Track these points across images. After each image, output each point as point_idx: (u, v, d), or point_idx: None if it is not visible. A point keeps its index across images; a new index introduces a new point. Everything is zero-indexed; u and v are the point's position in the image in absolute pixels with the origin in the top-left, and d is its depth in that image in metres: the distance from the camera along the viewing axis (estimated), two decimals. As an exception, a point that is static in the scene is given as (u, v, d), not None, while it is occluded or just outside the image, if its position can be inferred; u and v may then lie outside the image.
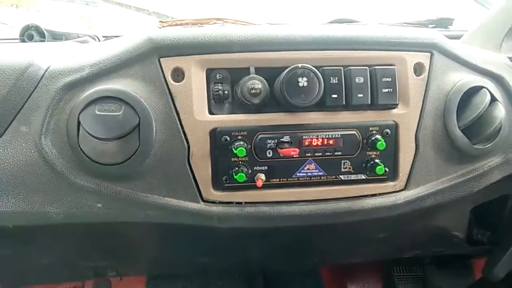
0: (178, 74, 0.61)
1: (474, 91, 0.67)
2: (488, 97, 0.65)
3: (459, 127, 0.66)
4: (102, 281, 1.36)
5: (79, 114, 0.57)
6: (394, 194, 0.67)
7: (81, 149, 0.58)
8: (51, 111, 0.59)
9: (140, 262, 0.90)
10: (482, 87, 0.67)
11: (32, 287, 1.25)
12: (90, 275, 0.89)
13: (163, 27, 0.90)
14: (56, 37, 0.96)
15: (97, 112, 0.57)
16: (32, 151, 0.59)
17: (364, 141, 0.64)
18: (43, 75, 0.60)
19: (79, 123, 0.57)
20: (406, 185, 0.67)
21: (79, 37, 0.95)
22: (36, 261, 0.78)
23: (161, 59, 0.60)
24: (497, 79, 0.70)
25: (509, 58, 0.74)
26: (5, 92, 0.58)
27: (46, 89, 0.59)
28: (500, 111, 0.66)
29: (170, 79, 0.60)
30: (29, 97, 0.59)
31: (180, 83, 0.60)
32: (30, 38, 0.93)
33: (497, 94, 0.68)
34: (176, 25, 0.90)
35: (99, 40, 0.94)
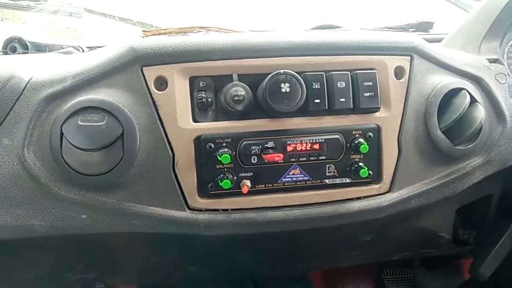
0: (161, 83, 0.61)
1: (454, 93, 0.68)
2: (468, 98, 0.66)
3: (440, 129, 0.67)
4: (92, 294, 1.34)
5: (62, 126, 0.57)
6: (379, 196, 0.67)
7: (64, 160, 0.57)
8: (34, 123, 0.58)
9: (128, 273, 0.89)
10: (461, 89, 0.68)
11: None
12: (77, 288, 0.87)
13: (146, 36, 0.90)
14: (40, 48, 0.96)
15: (80, 123, 0.57)
16: (15, 163, 0.58)
17: (348, 144, 0.65)
18: (25, 87, 0.59)
19: (62, 134, 0.57)
20: (390, 187, 0.68)
21: (62, 48, 0.94)
22: (22, 275, 0.77)
23: (144, 68, 0.60)
24: (477, 81, 0.72)
25: (487, 59, 0.76)
26: (-14, 105, 0.58)
27: (28, 101, 0.59)
28: (480, 111, 0.67)
29: (153, 88, 0.60)
30: (11, 109, 0.59)
31: (164, 91, 0.60)
32: (13, 51, 0.93)
33: (477, 95, 0.69)
34: (160, 34, 0.90)
35: (83, 51, 0.93)
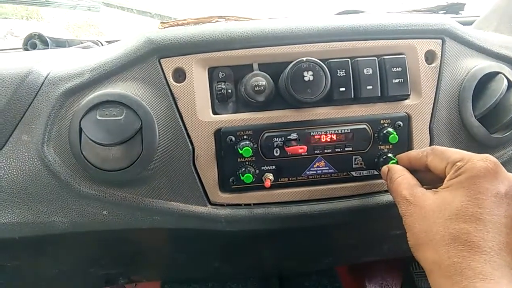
0: (180, 75, 0.59)
1: (489, 77, 0.63)
2: (505, 83, 0.62)
3: (475, 116, 0.63)
4: (117, 288, 1.36)
5: (80, 121, 0.56)
6: (409, 189, 0.64)
7: (84, 156, 0.56)
8: (52, 118, 0.58)
9: (151, 268, 0.89)
10: (498, 73, 0.63)
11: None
12: (102, 283, 0.87)
13: (164, 27, 0.89)
14: (60, 44, 0.96)
15: (99, 118, 0.56)
16: (35, 160, 0.58)
17: (376, 135, 0.62)
18: (43, 82, 0.59)
19: (80, 129, 0.56)
20: (421, 179, 0.64)
21: (82, 43, 0.94)
22: (45, 271, 0.77)
23: (162, 60, 0.58)
24: (514, 64, 0.67)
25: (525, 41, 0.71)
26: (5, 102, 0.57)
27: (47, 96, 0.58)
28: (518, 97, 0.62)
29: (171, 80, 0.58)
30: (29, 105, 0.58)
31: (182, 83, 0.58)
32: (34, 47, 0.93)
33: (515, 80, 0.65)
34: (178, 25, 0.88)
35: (102, 45, 0.93)
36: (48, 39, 0.94)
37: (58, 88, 0.58)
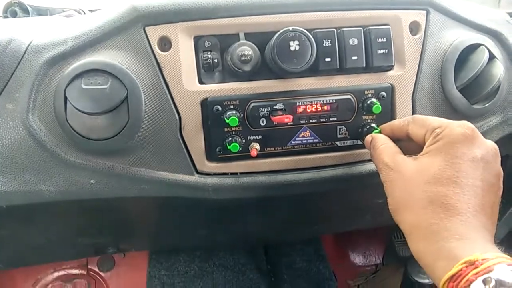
0: (165, 43, 0.58)
1: (471, 49, 0.64)
2: (487, 54, 0.63)
3: (457, 87, 0.64)
4: (106, 258, 1.38)
5: (65, 89, 0.55)
6: (391, 158, 0.65)
7: (69, 125, 0.56)
8: (36, 87, 0.57)
9: (139, 238, 0.91)
10: (480, 45, 0.64)
11: (36, 267, 1.27)
12: (91, 252, 0.89)
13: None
14: (41, 12, 0.94)
15: (84, 86, 0.55)
16: (20, 128, 0.58)
17: (360, 105, 0.63)
18: (25, 51, 0.57)
19: (66, 98, 0.55)
20: (403, 148, 0.66)
21: (64, 11, 0.91)
22: (34, 240, 0.78)
23: (146, 28, 0.58)
24: (496, 36, 0.68)
25: (508, 13, 0.72)
26: (-14, 70, 0.56)
27: (30, 65, 0.57)
28: (499, 68, 0.63)
29: (156, 48, 0.58)
30: (12, 74, 0.57)
31: (168, 52, 0.58)
32: (14, 15, 0.90)
33: (496, 51, 0.66)
34: (163, -6, 0.86)
35: (85, 14, 0.90)
36: (28, 7, 0.91)
37: (41, 56, 0.57)
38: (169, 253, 1.26)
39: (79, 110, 0.55)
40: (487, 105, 0.66)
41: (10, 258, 0.84)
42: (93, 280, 1.38)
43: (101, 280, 1.38)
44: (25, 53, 0.58)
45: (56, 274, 1.35)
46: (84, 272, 1.37)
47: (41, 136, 0.58)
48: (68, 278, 1.36)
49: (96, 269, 1.38)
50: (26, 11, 0.91)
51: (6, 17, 0.89)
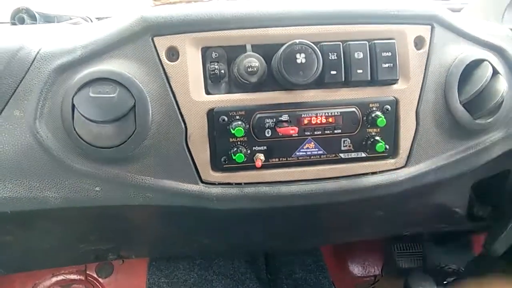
0: (173, 54, 0.59)
1: (475, 64, 0.65)
2: (490, 70, 0.64)
3: (460, 102, 0.65)
4: (105, 264, 1.37)
5: (73, 97, 0.56)
6: (394, 171, 0.66)
7: (76, 132, 0.57)
8: (45, 94, 0.58)
9: (140, 245, 0.91)
10: (483, 60, 0.65)
11: (35, 272, 1.27)
12: (91, 258, 0.89)
13: (156, 5, 0.88)
14: (48, 19, 0.94)
15: (92, 95, 0.56)
16: (27, 135, 0.58)
17: (364, 118, 0.63)
18: (34, 58, 0.58)
19: (73, 106, 0.56)
20: (406, 162, 0.66)
21: (71, 19, 0.92)
22: (36, 246, 0.78)
23: (155, 38, 0.58)
24: (499, 52, 0.69)
25: (511, 29, 0.73)
26: (-4, 77, 0.57)
27: (38, 72, 0.58)
28: (502, 84, 0.64)
29: (164, 58, 0.59)
30: (21, 81, 0.58)
31: (175, 62, 0.59)
32: (21, 22, 0.91)
33: (499, 67, 0.67)
34: (170, 3, 0.87)
35: (92, 22, 0.91)
36: (36, 14, 0.92)
37: (50, 64, 0.58)
38: (169, 260, 1.26)
39: (86, 118, 0.55)
40: (490, 120, 0.67)
41: (12, 263, 0.84)
42: (91, 286, 1.38)
43: (99, 286, 1.38)
44: (34, 60, 0.58)
45: (54, 279, 1.35)
46: (82, 277, 1.37)
47: (48, 143, 0.58)
48: (66, 283, 1.36)
49: (95, 275, 1.38)
50: (33, 18, 0.91)
51: (14, 23, 0.90)
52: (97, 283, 1.38)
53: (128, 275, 1.37)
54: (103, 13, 0.98)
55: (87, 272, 1.37)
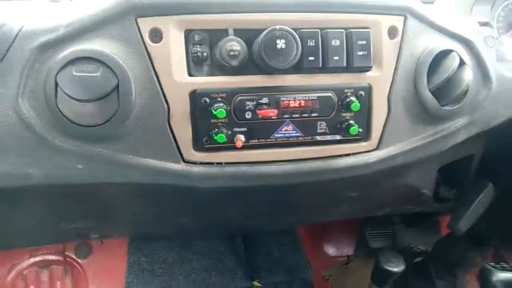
0: (156, 35, 0.60)
1: (444, 54, 0.69)
2: (457, 60, 0.68)
3: (429, 89, 0.69)
4: (83, 245, 1.38)
5: (56, 75, 0.56)
6: (366, 153, 0.70)
7: (59, 110, 0.58)
8: (27, 72, 0.58)
9: (121, 223, 0.92)
10: (452, 51, 0.69)
11: (12, 252, 1.27)
12: (72, 237, 0.90)
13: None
14: (27, -4, 0.92)
15: (75, 73, 0.56)
16: (10, 112, 0.58)
17: (339, 102, 0.66)
18: (16, 35, 0.58)
19: (56, 84, 0.57)
20: (378, 145, 0.70)
21: (50, -4, 0.91)
22: (17, 223, 0.79)
23: (138, 19, 0.59)
24: (467, 43, 0.73)
25: (478, 22, 0.77)
26: (-23, 54, 0.57)
27: (21, 49, 0.58)
28: (468, 74, 0.68)
29: (148, 39, 0.60)
30: (2, 58, 0.58)
31: (158, 44, 0.60)
32: (-2, -3, 0.89)
33: (466, 58, 0.71)
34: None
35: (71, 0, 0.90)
36: (14, -10, 0.90)
37: (32, 41, 0.58)
38: (149, 240, 1.28)
39: (69, 96, 0.56)
40: (456, 107, 0.71)
41: (-9, 241, 0.84)
42: (70, 267, 1.39)
43: (78, 267, 1.39)
44: (16, 37, 0.58)
45: (32, 260, 1.35)
46: (61, 258, 1.37)
47: (30, 120, 0.59)
48: (45, 264, 1.36)
49: (73, 256, 1.39)
50: (11, -6, 0.90)
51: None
52: (75, 264, 1.39)
53: (107, 256, 1.39)
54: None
55: (66, 252, 1.38)
